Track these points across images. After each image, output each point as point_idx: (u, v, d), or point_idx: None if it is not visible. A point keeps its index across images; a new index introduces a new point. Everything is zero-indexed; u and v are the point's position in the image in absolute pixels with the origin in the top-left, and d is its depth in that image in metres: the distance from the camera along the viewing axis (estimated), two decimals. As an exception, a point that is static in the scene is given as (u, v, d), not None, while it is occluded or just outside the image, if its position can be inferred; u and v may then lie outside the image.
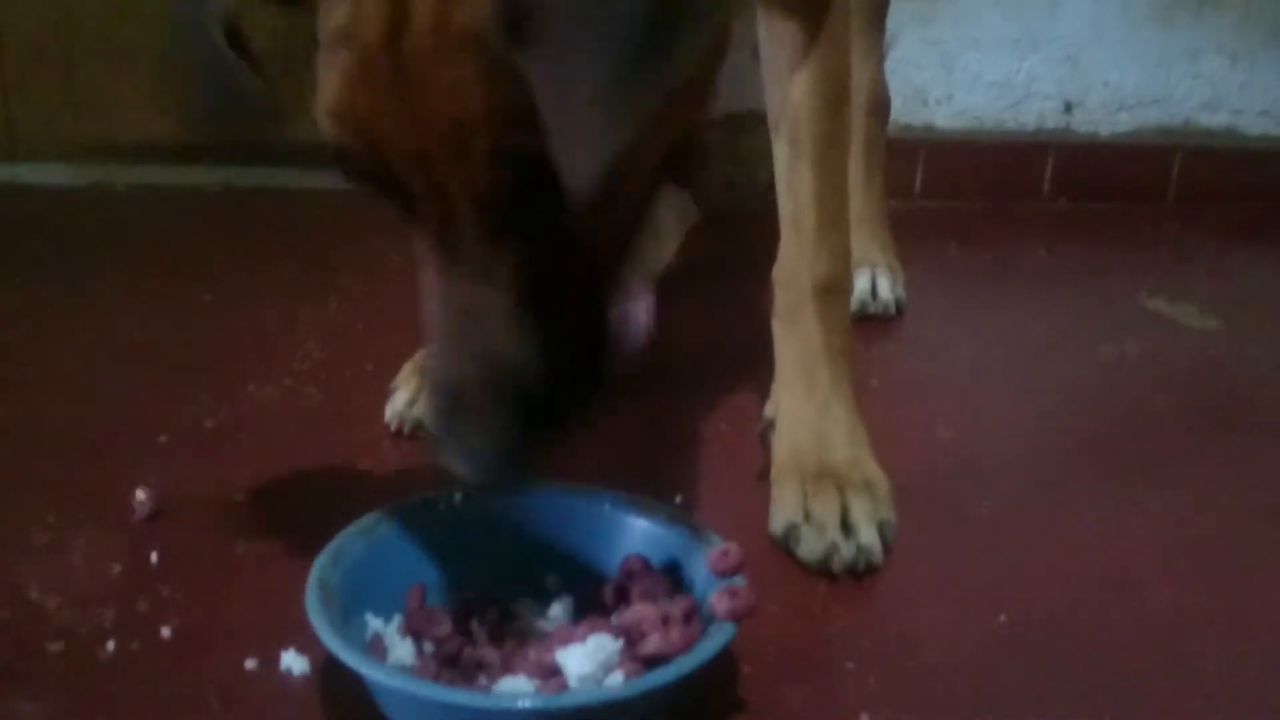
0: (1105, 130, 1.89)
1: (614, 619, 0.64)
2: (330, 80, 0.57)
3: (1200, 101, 1.89)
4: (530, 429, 0.59)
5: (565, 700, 0.59)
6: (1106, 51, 1.85)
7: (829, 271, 0.91)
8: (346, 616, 0.65)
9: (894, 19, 1.72)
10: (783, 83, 0.91)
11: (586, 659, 0.60)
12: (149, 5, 1.73)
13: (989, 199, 1.83)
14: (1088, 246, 1.68)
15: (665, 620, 0.62)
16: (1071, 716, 0.68)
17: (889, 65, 1.72)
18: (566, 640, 0.62)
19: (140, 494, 0.85)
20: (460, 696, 0.59)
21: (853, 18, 1.01)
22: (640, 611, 0.63)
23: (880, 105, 1.40)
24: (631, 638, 0.62)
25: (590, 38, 0.48)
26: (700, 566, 0.68)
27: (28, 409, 1.02)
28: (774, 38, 0.91)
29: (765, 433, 0.94)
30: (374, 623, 0.67)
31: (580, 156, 0.48)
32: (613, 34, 0.48)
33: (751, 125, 1.81)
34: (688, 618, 0.63)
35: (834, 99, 0.91)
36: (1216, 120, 1.90)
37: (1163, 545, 0.88)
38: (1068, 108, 1.87)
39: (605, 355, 0.63)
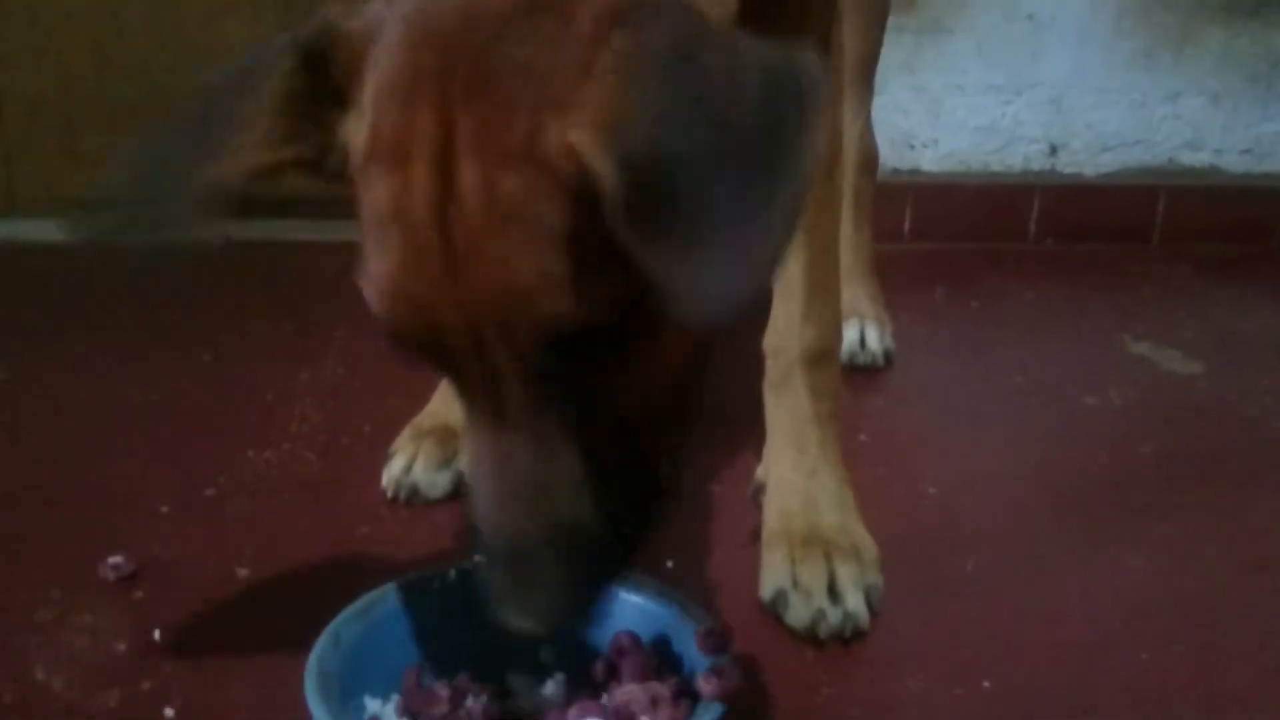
0: (1090, 171, 1.92)
1: (605, 698, 0.66)
2: (380, 259, 0.56)
3: (1182, 141, 1.92)
4: (586, 577, 0.60)
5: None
6: (1089, 94, 1.88)
7: (817, 341, 0.93)
8: (345, 700, 0.67)
9: (880, 66, 1.75)
10: None
11: None
12: (145, 67, 1.77)
13: (976, 241, 1.86)
14: (1074, 288, 1.70)
15: (654, 702, 0.64)
16: (1054, 784, 0.70)
17: (877, 112, 1.76)
18: (558, 722, 0.64)
19: (114, 559, 0.88)
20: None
21: (841, 76, 1.02)
22: (630, 692, 0.65)
23: (869, 160, 1.43)
24: (621, 718, 0.64)
25: (726, 183, 0.48)
26: (688, 642, 0.70)
27: (32, 478, 1.04)
28: None
29: (757, 494, 0.96)
30: (372, 704, 0.69)
31: (717, 307, 0.48)
32: (742, 173, 0.48)
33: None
34: (676, 698, 0.65)
35: (826, 164, 0.92)
36: (1199, 159, 1.93)
37: (1142, 605, 0.89)
38: (1052, 150, 1.90)
39: (656, 504, 0.64)
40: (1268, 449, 1.20)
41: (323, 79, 0.59)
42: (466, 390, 0.59)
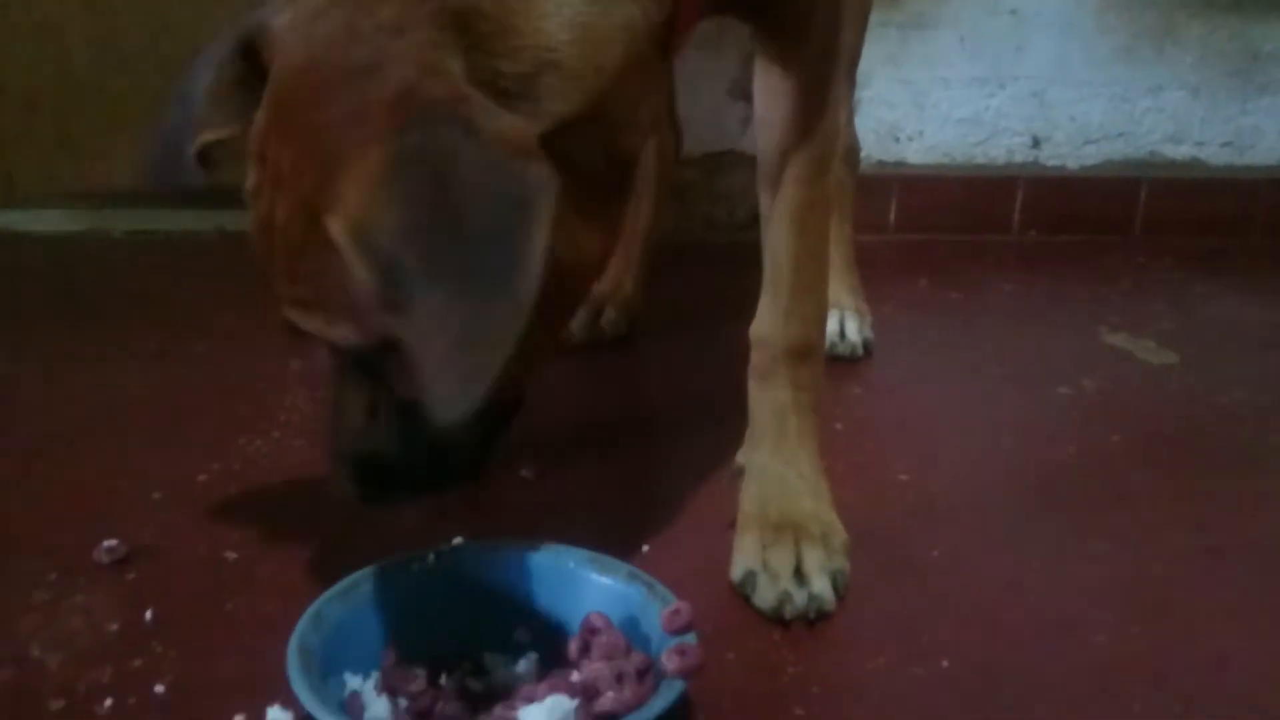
0: (1073, 164, 1.95)
1: (574, 676, 0.69)
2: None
3: (1164, 135, 1.94)
4: (377, 480, 0.81)
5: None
6: (1072, 88, 1.91)
7: (802, 335, 0.96)
8: (326, 676, 0.70)
9: (866, 60, 1.77)
10: (774, 141, 0.93)
11: (544, 717, 0.65)
12: (142, 58, 1.79)
13: (960, 232, 1.89)
14: (1054, 279, 1.73)
15: (619, 678, 0.67)
16: (1005, 758, 0.73)
17: (863, 105, 1.79)
18: (529, 699, 0.67)
19: (109, 543, 0.92)
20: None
21: (843, 79, 1.04)
22: (597, 670, 0.68)
23: (850, 152, 1.45)
24: (589, 695, 0.67)
25: (448, 291, 0.59)
26: (656, 622, 0.73)
27: (27, 467, 1.07)
28: (770, 93, 0.93)
29: (735, 479, 0.99)
30: (352, 681, 0.71)
31: (451, 395, 0.59)
32: (464, 283, 0.59)
33: (729, 164, 1.87)
34: (641, 675, 0.68)
35: (821, 164, 0.94)
36: (1180, 152, 1.95)
37: (1104, 588, 0.92)
38: (1035, 142, 1.93)
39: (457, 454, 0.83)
40: (1236, 438, 1.22)
41: (250, 68, 0.71)
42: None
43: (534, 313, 0.64)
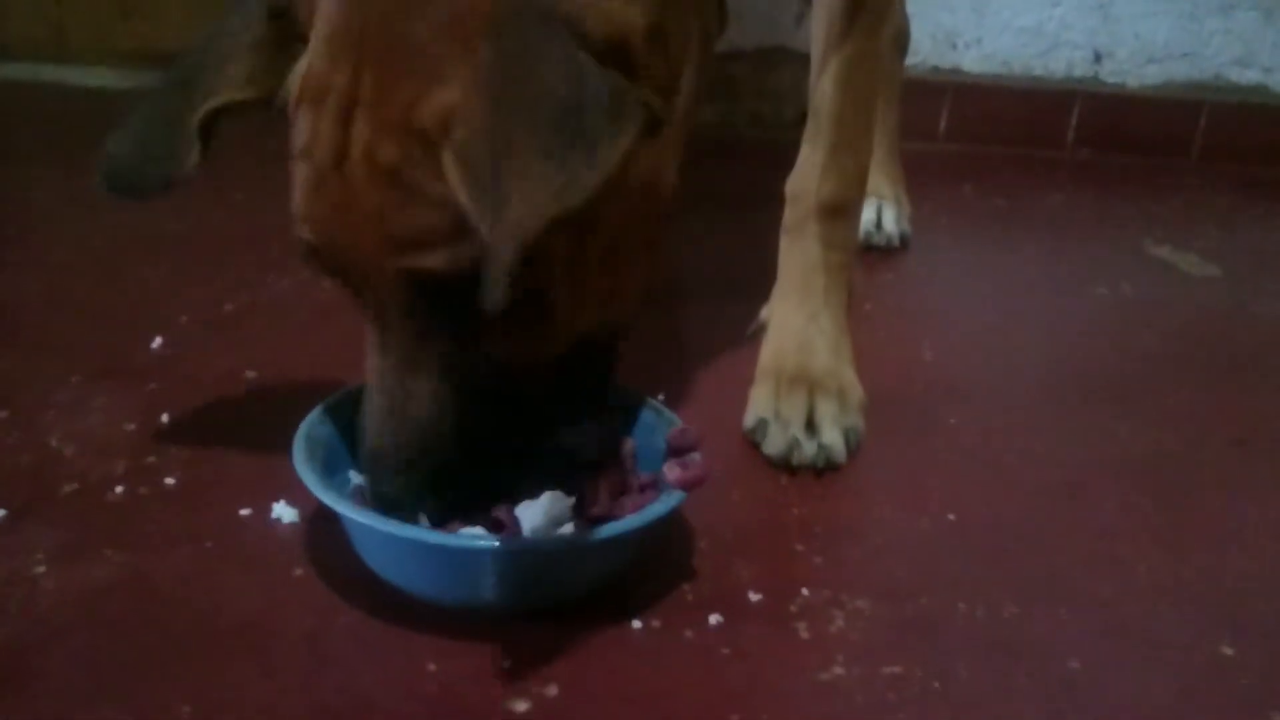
0: (1133, 82, 1.89)
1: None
2: (297, 188, 0.65)
3: (1231, 57, 1.89)
4: (426, 480, 0.67)
5: (515, 544, 0.64)
6: (1139, 2, 1.85)
7: (837, 191, 0.94)
8: (331, 472, 0.71)
9: (926, -39, 1.74)
10: (827, 3, 0.93)
11: (540, 512, 0.65)
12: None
13: (1011, 145, 1.85)
14: (1102, 196, 1.70)
15: (620, 488, 0.67)
16: (1002, 603, 0.72)
17: (921, 7, 1.74)
18: (529, 496, 0.67)
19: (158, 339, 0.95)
20: (417, 533, 0.64)
21: None
22: (598, 480, 0.68)
23: (900, 35, 1.42)
24: (586, 500, 0.67)
25: (511, 126, 0.56)
26: (663, 444, 0.73)
27: (58, 286, 1.09)
28: None
29: (757, 333, 0.98)
30: (356, 479, 0.72)
31: (502, 235, 0.54)
32: (532, 119, 0.56)
33: (779, 60, 1.84)
34: (643, 489, 0.69)
35: (873, 20, 0.93)
36: (1247, 77, 1.90)
37: (1120, 462, 0.91)
38: (1097, 58, 1.88)
39: (529, 442, 0.71)
40: (1272, 346, 1.20)
41: (285, 27, 0.67)
42: (364, 312, 0.68)
43: (624, 238, 0.66)
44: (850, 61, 0.93)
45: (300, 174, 0.64)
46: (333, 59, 0.63)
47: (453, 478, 0.67)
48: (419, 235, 0.61)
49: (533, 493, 0.67)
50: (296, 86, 0.65)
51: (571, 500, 0.67)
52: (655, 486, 0.70)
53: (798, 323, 0.94)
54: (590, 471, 0.71)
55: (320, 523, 0.73)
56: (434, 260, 0.61)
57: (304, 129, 0.64)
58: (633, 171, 0.64)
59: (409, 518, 0.65)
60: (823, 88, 0.94)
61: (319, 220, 0.64)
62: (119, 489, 0.77)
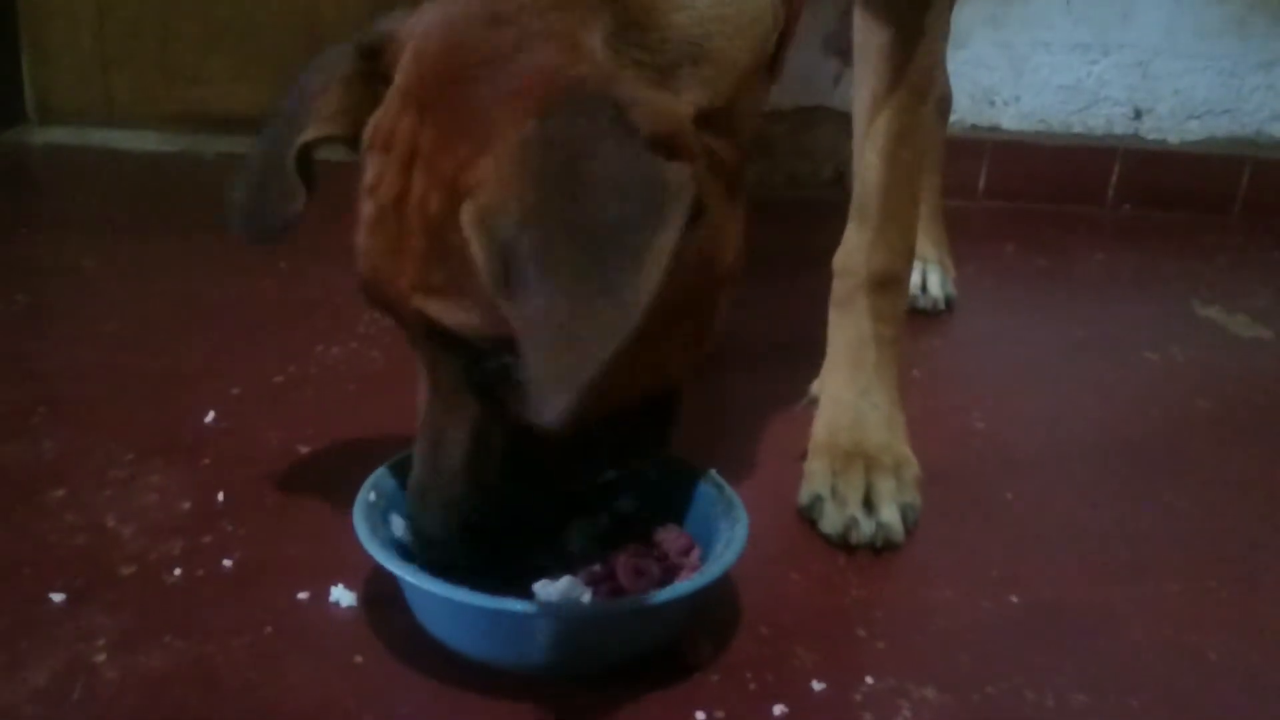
0: (1174, 138, 1.89)
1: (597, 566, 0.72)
2: (359, 227, 0.68)
3: (1273, 113, 1.88)
4: (462, 526, 0.69)
5: (568, 610, 0.66)
6: (1179, 59, 1.85)
7: (886, 264, 0.94)
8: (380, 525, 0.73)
9: (964, 20, 1.74)
10: (871, 68, 0.93)
11: (555, 595, 0.68)
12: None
13: (1052, 202, 1.85)
14: (1146, 253, 1.68)
15: (639, 573, 0.70)
16: (1070, 691, 0.71)
17: (959, 66, 1.75)
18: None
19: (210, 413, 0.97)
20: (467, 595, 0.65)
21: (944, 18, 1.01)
22: (618, 561, 0.71)
23: (943, 101, 1.42)
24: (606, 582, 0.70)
25: (558, 283, 0.56)
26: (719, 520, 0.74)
27: (113, 358, 1.10)
28: (870, 20, 0.93)
29: (808, 407, 0.98)
30: (399, 529, 0.75)
31: (548, 393, 0.55)
32: (573, 214, 0.57)
33: (818, 120, 1.85)
34: (669, 570, 0.71)
35: (918, 93, 0.93)
36: (1289, 133, 1.89)
37: (1183, 538, 0.90)
38: (1137, 114, 1.88)
39: (553, 512, 0.73)
40: (1328, 414, 1.18)
41: (373, 68, 0.70)
42: (416, 354, 0.70)
43: (680, 311, 0.66)
44: (896, 134, 0.93)
45: (363, 210, 0.67)
46: (404, 108, 0.66)
47: (488, 524, 0.69)
48: (442, 285, 0.63)
49: (553, 574, 0.69)
50: (369, 131, 0.68)
51: (588, 592, 0.69)
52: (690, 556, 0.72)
53: (850, 397, 0.93)
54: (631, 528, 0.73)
55: (378, 607, 0.73)
56: (448, 314, 0.63)
57: (372, 170, 0.67)
58: (689, 248, 0.63)
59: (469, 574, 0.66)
60: (868, 160, 0.94)
61: (370, 254, 0.67)
62: (177, 571, 0.77)
